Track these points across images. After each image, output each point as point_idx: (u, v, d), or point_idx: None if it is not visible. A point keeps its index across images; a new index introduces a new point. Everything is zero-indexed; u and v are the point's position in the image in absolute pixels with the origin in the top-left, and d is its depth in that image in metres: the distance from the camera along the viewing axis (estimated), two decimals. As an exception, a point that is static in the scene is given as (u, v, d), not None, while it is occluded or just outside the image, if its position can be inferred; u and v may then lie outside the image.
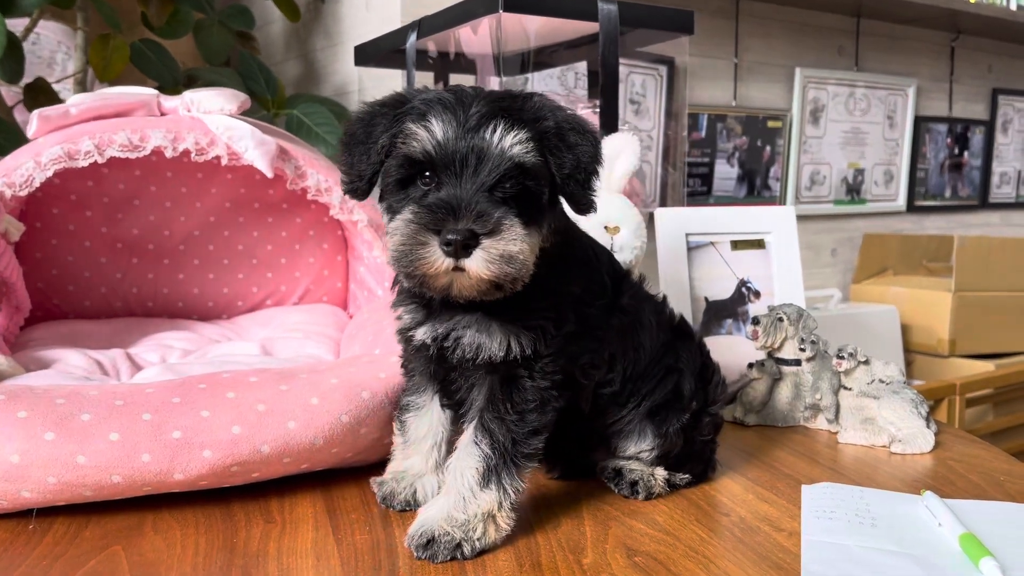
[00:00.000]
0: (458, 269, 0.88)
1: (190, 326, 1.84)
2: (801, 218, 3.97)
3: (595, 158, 0.99)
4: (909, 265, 4.42)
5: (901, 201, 4.64)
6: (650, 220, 1.70)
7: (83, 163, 1.55)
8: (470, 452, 0.99)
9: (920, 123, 4.59)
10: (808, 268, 4.07)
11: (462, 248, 0.86)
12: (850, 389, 1.48)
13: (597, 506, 1.14)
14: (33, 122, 1.58)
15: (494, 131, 0.90)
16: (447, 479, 1.01)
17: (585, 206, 0.99)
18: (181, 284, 1.93)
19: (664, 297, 1.25)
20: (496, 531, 0.98)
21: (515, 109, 0.94)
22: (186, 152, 1.60)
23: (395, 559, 0.97)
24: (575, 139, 0.96)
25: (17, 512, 1.06)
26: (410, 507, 1.10)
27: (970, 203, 4.98)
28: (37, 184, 1.53)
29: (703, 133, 3.72)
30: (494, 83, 2.46)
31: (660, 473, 1.17)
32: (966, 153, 4.89)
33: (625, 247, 1.39)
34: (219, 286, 1.95)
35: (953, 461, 1.33)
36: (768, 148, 3.96)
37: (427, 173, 0.92)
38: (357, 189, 1.00)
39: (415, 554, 0.95)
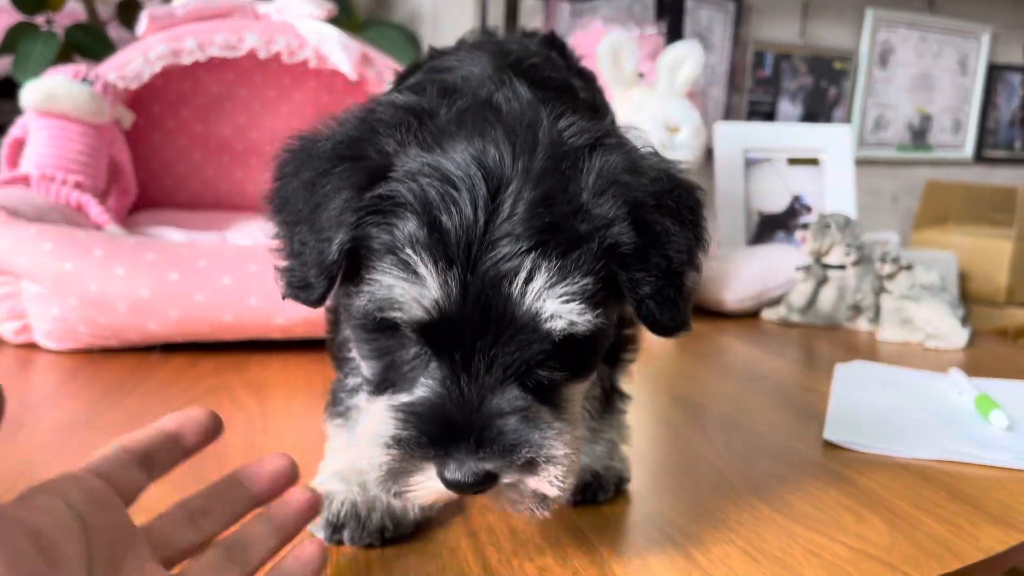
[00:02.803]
0: None
1: (276, 220, 1.99)
2: (863, 163, 3.97)
3: (695, 248, 0.63)
4: (972, 215, 4.39)
5: (968, 150, 4.59)
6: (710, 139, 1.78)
7: (186, 60, 1.70)
8: None
9: (993, 71, 4.51)
10: (868, 213, 4.08)
11: (475, 491, 0.57)
12: (891, 292, 1.56)
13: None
14: (143, 21, 1.73)
15: (528, 280, 0.55)
16: None
17: (673, 326, 0.62)
18: (266, 183, 2.08)
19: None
20: None
21: (563, 208, 0.57)
22: (277, 55, 1.73)
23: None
24: (669, 226, 0.61)
25: (144, 348, 1.22)
26: None
27: (1041, 156, 4.89)
28: (146, 78, 1.68)
29: (768, 71, 3.74)
30: (565, 8, 2.55)
31: None
32: (1039, 104, 4.80)
33: (684, 146, 1.49)
34: (301, 187, 2.10)
35: (984, 356, 1.42)
36: (833, 89, 3.96)
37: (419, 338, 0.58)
38: (291, 288, 0.63)
39: None
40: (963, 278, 4.11)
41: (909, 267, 1.57)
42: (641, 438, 0.89)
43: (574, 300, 0.54)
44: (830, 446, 0.95)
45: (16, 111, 1.79)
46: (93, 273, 1.15)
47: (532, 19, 2.65)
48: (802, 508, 0.78)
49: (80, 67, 1.61)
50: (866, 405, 1.08)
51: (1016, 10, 4.43)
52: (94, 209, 1.49)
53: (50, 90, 1.53)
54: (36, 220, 1.24)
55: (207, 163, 2.04)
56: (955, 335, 1.46)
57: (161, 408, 0.99)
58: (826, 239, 1.62)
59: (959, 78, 4.42)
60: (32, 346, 1.24)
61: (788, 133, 1.92)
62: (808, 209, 1.90)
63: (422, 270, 0.54)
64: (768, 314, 1.67)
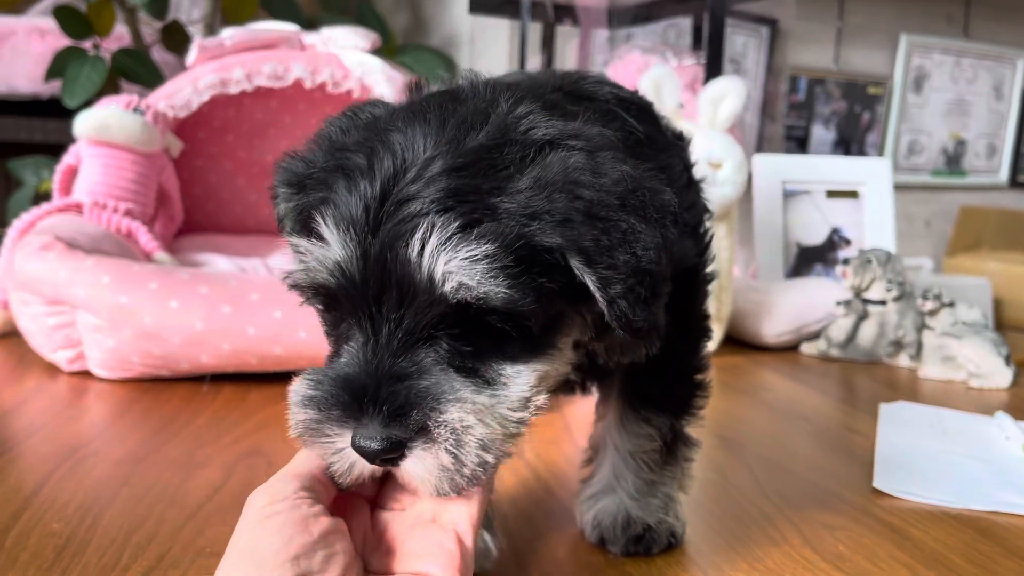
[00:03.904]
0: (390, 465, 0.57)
1: (316, 246, 2.02)
2: (897, 187, 3.95)
3: (663, 247, 0.59)
4: (1007, 241, 4.34)
5: (1004, 175, 4.55)
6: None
7: (234, 90, 1.73)
8: None
9: (1029, 96, 4.48)
10: (901, 238, 4.05)
11: (385, 460, 0.56)
12: (933, 329, 1.56)
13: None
14: (193, 51, 1.77)
15: (423, 242, 0.54)
16: None
17: (645, 326, 0.60)
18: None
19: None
20: None
21: (480, 183, 0.56)
22: (321, 85, 1.76)
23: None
24: (635, 224, 0.58)
25: (194, 378, 1.25)
26: None
27: (1077, 181, 4.84)
28: (195, 107, 1.71)
29: (801, 96, 3.73)
30: (602, 36, 2.57)
31: None
32: (1076, 129, 4.74)
33: (727, 182, 1.50)
34: (341, 212, 2.13)
35: (1029, 396, 1.41)
36: (867, 114, 3.94)
37: (338, 307, 0.60)
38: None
39: None
40: (998, 305, 4.07)
41: (951, 304, 1.57)
42: (691, 484, 0.90)
43: (474, 265, 0.53)
44: (879, 493, 0.95)
45: (63, 130, 1.84)
46: (148, 306, 1.17)
47: (567, 44, 2.67)
48: (857, 563, 0.78)
49: (132, 97, 1.65)
50: (913, 450, 1.08)
51: (1052, 35, 4.40)
52: (143, 236, 1.52)
53: (103, 120, 1.56)
54: (92, 251, 1.27)
55: (250, 188, 2.07)
56: (999, 375, 1.45)
57: (215, 444, 1.02)
58: (867, 274, 1.61)
59: (994, 103, 4.39)
60: (85, 374, 1.27)
61: (827, 165, 1.93)
62: (847, 242, 1.90)
63: (326, 233, 0.56)
64: (807, 348, 1.66)
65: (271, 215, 2.07)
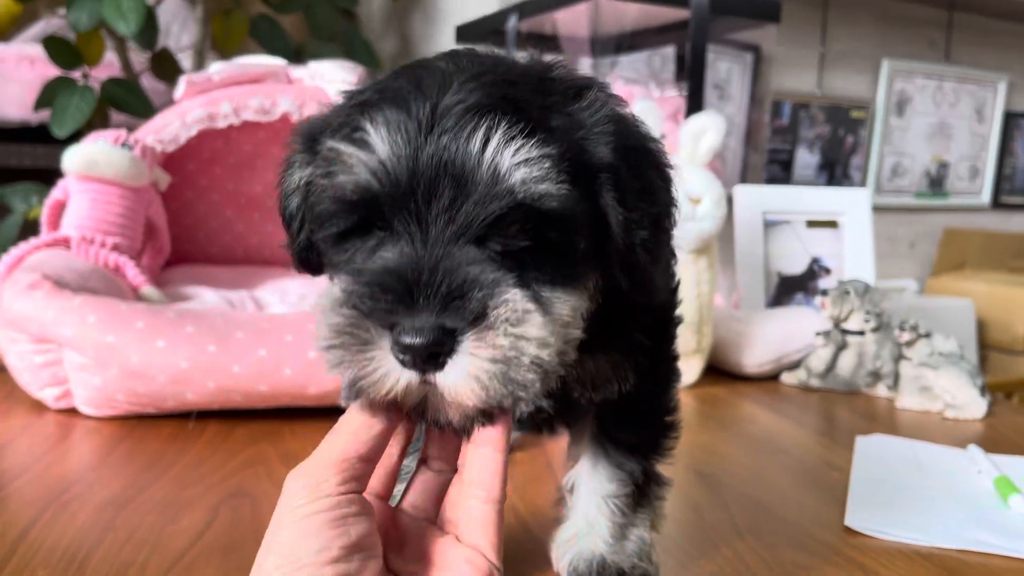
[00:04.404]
0: (427, 383, 0.53)
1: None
2: (881, 209, 4.00)
3: (671, 208, 0.64)
4: (990, 262, 4.40)
5: (986, 197, 4.61)
6: (729, 199, 1.82)
7: (222, 124, 1.75)
8: None
9: (1010, 118, 4.54)
10: (885, 259, 4.10)
11: (429, 358, 0.52)
12: (910, 359, 1.58)
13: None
14: (181, 85, 1.79)
15: (487, 137, 0.53)
16: None
17: (649, 286, 0.64)
18: (295, 238, 2.13)
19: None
20: None
21: (533, 100, 0.57)
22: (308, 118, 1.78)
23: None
24: (654, 178, 0.62)
25: (180, 414, 1.26)
26: None
27: (1058, 202, 4.90)
28: (183, 141, 1.73)
29: (786, 121, 3.78)
30: (586, 64, 2.61)
31: None
32: (1057, 151, 4.81)
33: (706, 217, 1.52)
34: (328, 242, 2.15)
35: (1003, 427, 1.44)
36: (850, 138, 4.00)
37: (376, 219, 0.56)
38: (298, 259, 0.69)
39: None
40: (981, 325, 4.12)
41: (928, 335, 1.59)
42: (665, 522, 0.92)
43: (541, 161, 0.53)
44: (852, 531, 0.97)
45: (52, 156, 1.85)
46: (135, 345, 1.19)
47: (554, 73, 2.70)
48: (826, 604, 0.80)
49: (120, 132, 1.66)
50: (887, 486, 1.10)
51: (1032, 59, 4.47)
52: (131, 271, 1.54)
53: (92, 156, 1.58)
54: (80, 288, 1.29)
55: (238, 219, 2.09)
56: (974, 406, 1.47)
57: (200, 485, 1.03)
58: (845, 305, 1.64)
59: (976, 126, 4.45)
60: (72, 411, 1.28)
61: (807, 196, 1.96)
62: (827, 271, 1.93)
63: (372, 135, 0.54)
64: (787, 378, 1.69)
65: (259, 245, 2.07)
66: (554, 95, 0.59)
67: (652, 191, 0.61)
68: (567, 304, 0.57)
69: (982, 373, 1.53)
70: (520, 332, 0.52)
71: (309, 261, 0.68)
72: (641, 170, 0.60)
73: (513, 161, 0.53)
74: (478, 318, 0.51)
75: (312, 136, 0.63)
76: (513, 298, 0.52)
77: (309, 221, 0.64)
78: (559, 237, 0.56)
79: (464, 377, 0.52)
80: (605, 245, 0.60)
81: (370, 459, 0.58)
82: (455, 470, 0.65)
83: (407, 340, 0.50)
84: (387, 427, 0.58)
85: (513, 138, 0.53)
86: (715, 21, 2.07)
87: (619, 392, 0.73)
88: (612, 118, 0.60)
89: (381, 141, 0.54)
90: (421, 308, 0.51)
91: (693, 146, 1.56)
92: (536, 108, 0.56)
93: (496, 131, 0.53)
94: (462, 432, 0.59)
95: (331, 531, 0.53)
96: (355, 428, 0.57)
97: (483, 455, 0.59)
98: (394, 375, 0.52)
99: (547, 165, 0.53)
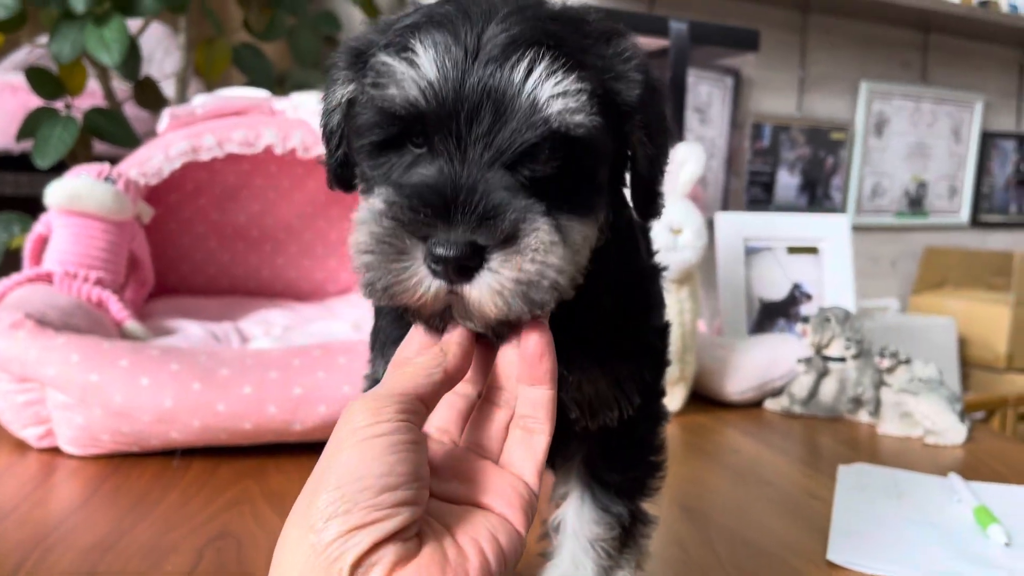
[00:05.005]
0: (454, 293, 0.57)
1: (288, 305, 2.04)
2: (862, 229, 4.04)
3: (674, 137, 0.72)
4: (970, 280, 4.44)
5: (964, 216, 4.66)
6: (711, 224, 1.84)
7: (205, 156, 1.76)
8: None
9: (987, 138, 4.60)
10: (867, 279, 4.14)
11: (458, 270, 0.56)
12: (890, 386, 1.60)
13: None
14: (164, 119, 1.80)
15: (529, 69, 0.57)
16: None
17: (656, 208, 0.71)
18: (280, 268, 2.13)
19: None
20: None
21: (571, 39, 0.61)
22: (292, 149, 1.79)
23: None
24: (669, 116, 0.69)
25: (164, 452, 1.26)
26: None
27: (1035, 220, 4.96)
28: (166, 174, 1.74)
29: (766, 143, 3.82)
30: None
31: None
32: (1033, 170, 4.88)
33: (687, 247, 1.54)
34: (313, 271, 2.16)
35: (982, 453, 1.45)
36: (831, 159, 4.04)
37: (416, 135, 0.60)
38: (333, 175, 0.73)
39: None
40: (963, 343, 4.15)
41: (908, 361, 1.61)
42: (650, 560, 0.92)
43: (579, 95, 0.57)
44: (833, 565, 0.98)
45: (34, 183, 1.84)
46: (119, 384, 1.19)
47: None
48: (808, 642, 0.81)
49: (103, 166, 1.67)
50: (867, 517, 1.11)
51: (1007, 79, 4.54)
52: (114, 306, 1.54)
53: (74, 191, 1.58)
54: (63, 326, 1.29)
55: (223, 250, 2.09)
56: (953, 431, 1.49)
57: (185, 526, 1.03)
58: (826, 332, 1.66)
59: (953, 146, 4.51)
60: (55, 450, 1.27)
61: (787, 222, 1.98)
62: (808, 297, 1.95)
63: (420, 54, 0.58)
64: (770, 404, 1.70)
65: (244, 275, 2.07)
66: (589, 37, 0.63)
67: (668, 128, 0.68)
68: (581, 233, 0.62)
69: (962, 396, 1.55)
70: (544, 259, 0.56)
71: (342, 177, 0.72)
72: (662, 111, 0.67)
73: (552, 92, 0.57)
74: (508, 239, 0.55)
75: (358, 53, 0.66)
76: (542, 227, 0.56)
77: (348, 135, 0.68)
78: (584, 165, 0.60)
79: (488, 291, 0.56)
80: (618, 180, 0.68)
81: (428, 401, 0.58)
82: (480, 394, 0.66)
83: (440, 251, 0.55)
84: (446, 376, 0.59)
85: (554, 72, 0.57)
86: (695, 49, 2.10)
87: (619, 417, 0.74)
88: (640, 66, 0.65)
89: (431, 63, 0.57)
90: (457, 223, 0.55)
91: (673, 176, 1.58)
92: (574, 46, 0.60)
93: (539, 64, 0.57)
94: (496, 339, 0.62)
95: (393, 455, 0.52)
96: (416, 369, 0.58)
97: (537, 391, 0.61)
98: (425, 283, 0.56)
99: (583, 99, 0.58)
